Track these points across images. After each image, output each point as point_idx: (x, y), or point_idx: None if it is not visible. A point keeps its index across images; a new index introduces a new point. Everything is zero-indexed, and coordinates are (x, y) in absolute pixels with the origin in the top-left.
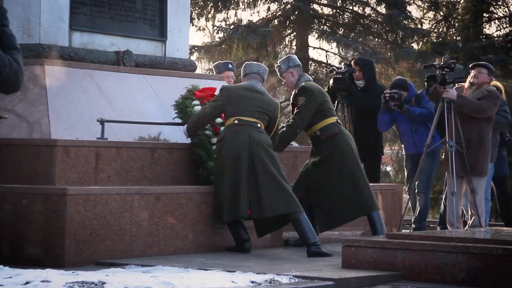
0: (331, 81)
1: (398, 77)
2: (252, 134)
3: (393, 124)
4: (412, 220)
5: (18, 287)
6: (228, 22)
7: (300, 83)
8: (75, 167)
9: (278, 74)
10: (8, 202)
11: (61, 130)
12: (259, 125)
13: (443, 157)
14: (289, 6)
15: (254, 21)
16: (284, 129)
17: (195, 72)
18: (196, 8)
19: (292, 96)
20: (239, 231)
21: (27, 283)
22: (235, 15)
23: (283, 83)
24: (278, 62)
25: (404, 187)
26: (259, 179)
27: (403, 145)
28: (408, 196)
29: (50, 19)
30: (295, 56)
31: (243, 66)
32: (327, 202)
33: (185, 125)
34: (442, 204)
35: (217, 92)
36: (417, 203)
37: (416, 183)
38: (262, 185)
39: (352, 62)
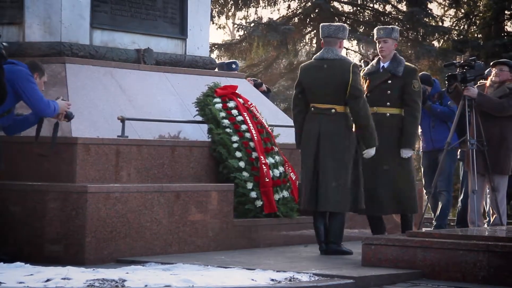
0: None
1: (423, 72)
2: (322, 126)
3: None
4: (433, 218)
5: (39, 284)
6: (248, 20)
7: (398, 58)
8: (95, 165)
9: (383, 33)
10: (29, 200)
11: (82, 128)
12: (333, 110)
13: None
14: (309, 3)
15: (275, 19)
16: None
17: (215, 70)
18: (217, 6)
19: (388, 68)
20: (317, 227)
21: (47, 280)
22: (256, 13)
23: (379, 45)
24: (381, 28)
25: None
26: (320, 173)
27: (421, 141)
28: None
29: (71, 17)
30: None
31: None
32: (381, 189)
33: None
34: (460, 202)
35: (238, 90)
36: (439, 201)
37: (438, 182)
38: (321, 180)
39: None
